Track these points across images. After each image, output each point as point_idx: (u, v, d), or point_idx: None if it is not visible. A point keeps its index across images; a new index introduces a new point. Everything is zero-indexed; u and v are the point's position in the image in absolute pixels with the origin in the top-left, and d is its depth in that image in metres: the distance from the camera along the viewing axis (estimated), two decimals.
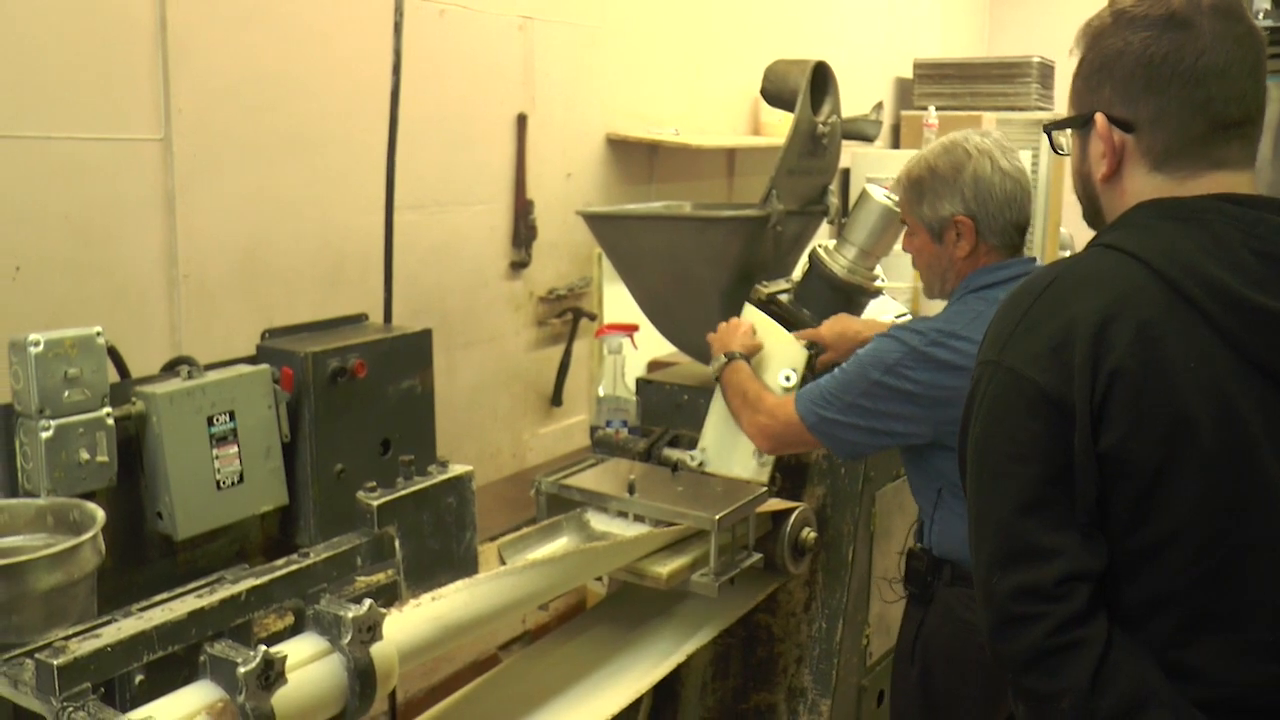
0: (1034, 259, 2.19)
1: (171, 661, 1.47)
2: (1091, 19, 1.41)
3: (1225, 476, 1.26)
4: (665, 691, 2.63)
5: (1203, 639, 1.29)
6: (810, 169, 2.68)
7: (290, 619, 1.71)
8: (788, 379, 2.45)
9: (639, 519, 2.26)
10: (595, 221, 2.83)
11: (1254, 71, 1.34)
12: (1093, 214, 1.47)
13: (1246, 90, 1.33)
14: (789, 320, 2.54)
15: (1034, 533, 1.29)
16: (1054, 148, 1.53)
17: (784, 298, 2.57)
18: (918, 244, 2.23)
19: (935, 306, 2.47)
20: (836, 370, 2.20)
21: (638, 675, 2.16)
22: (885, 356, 2.11)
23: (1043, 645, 1.27)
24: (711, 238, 2.59)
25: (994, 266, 2.15)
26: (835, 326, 2.46)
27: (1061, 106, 4.56)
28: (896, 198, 2.41)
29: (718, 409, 2.51)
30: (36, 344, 1.69)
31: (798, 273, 2.67)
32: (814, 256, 2.58)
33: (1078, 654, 1.26)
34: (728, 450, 2.48)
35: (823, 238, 2.76)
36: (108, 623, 1.45)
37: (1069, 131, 1.46)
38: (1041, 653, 1.27)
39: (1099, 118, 1.38)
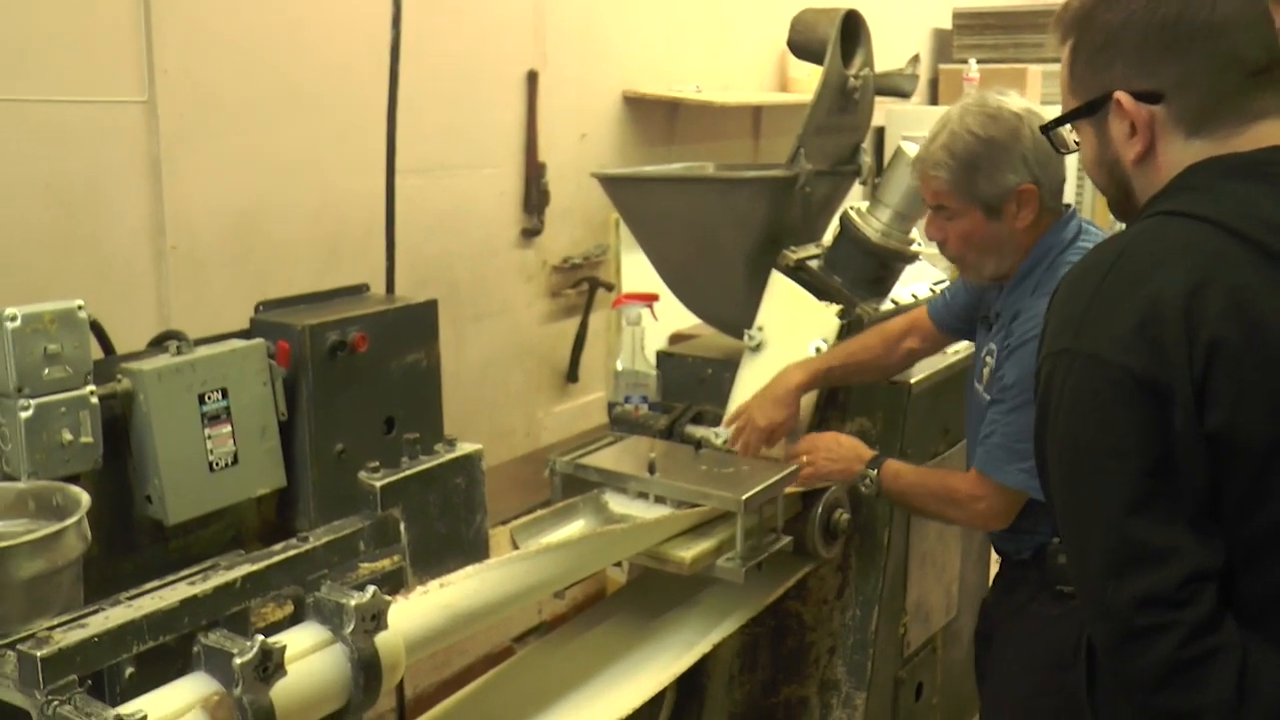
0: (1071, 205, 2.14)
1: (163, 653, 1.47)
2: (1068, 2, 1.39)
3: None
4: (690, 684, 2.62)
5: None
6: (841, 126, 2.64)
7: (289, 608, 1.71)
8: (819, 351, 2.42)
9: (660, 500, 2.24)
10: (612, 185, 2.82)
11: (1266, 15, 1.32)
12: (1123, 201, 1.43)
13: (1266, 34, 1.32)
14: (819, 288, 2.51)
15: (1146, 532, 1.24)
16: (1056, 147, 1.50)
17: (814, 264, 2.54)
18: (964, 227, 2.10)
19: None
20: (996, 415, 2.08)
21: (660, 667, 2.16)
22: None
23: (1176, 658, 1.21)
24: (736, 200, 2.57)
25: (1058, 226, 2.09)
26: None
27: None
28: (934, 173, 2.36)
29: (744, 382, 2.49)
30: (13, 319, 1.68)
31: (828, 237, 2.65)
32: (845, 220, 2.55)
33: (1216, 663, 1.21)
34: None
35: (855, 200, 2.73)
36: (94, 612, 1.44)
37: (1068, 126, 1.44)
38: (1176, 667, 1.22)
39: (1121, 95, 1.34)
